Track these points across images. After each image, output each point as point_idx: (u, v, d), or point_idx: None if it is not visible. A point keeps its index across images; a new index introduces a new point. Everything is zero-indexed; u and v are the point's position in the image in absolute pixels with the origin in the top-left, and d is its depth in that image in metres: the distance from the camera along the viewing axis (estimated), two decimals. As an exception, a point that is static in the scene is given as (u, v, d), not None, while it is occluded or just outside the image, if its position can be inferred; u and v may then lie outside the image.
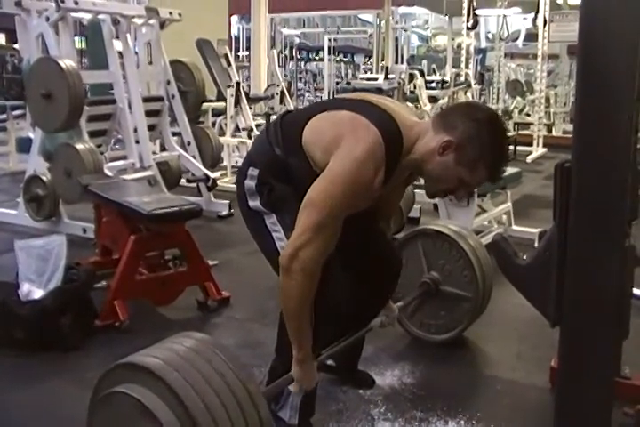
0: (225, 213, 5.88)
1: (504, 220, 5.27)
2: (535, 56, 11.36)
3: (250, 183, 2.20)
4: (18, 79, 12.56)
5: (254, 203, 2.21)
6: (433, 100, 9.26)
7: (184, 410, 1.56)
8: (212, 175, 5.92)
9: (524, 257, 1.79)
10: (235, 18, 18.03)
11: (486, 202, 4.90)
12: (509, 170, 5.36)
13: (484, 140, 1.98)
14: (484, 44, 20.77)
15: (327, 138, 2.02)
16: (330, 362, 2.73)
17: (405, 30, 19.82)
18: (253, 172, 2.20)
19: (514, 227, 5.28)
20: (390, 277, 2.59)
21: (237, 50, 17.87)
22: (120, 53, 5.57)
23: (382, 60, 16.24)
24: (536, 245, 4.66)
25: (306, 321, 2.03)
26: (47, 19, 5.22)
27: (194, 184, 6.16)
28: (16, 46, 16.86)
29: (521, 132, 11.80)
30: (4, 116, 8.94)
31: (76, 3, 5.22)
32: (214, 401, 1.61)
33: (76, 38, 6.70)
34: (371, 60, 19.19)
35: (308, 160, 2.07)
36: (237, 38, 18.78)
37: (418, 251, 3.16)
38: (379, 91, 7.01)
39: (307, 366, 2.12)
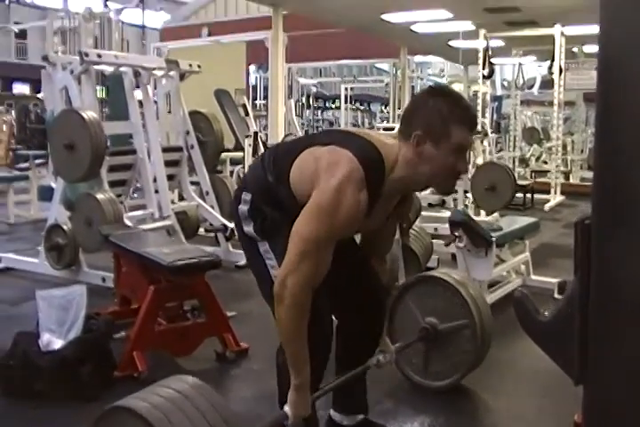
0: (243, 263, 5.87)
1: (522, 270, 5.25)
2: (551, 103, 11.42)
3: (243, 208, 2.28)
4: (41, 129, 12.84)
5: (248, 228, 2.29)
6: (449, 149, 9.30)
7: None
8: (230, 225, 5.94)
9: (546, 313, 1.78)
10: (252, 67, 18.30)
11: (504, 252, 4.88)
12: (527, 220, 5.37)
13: (439, 108, 2.08)
14: (499, 92, 20.90)
15: (309, 173, 2.11)
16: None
17: (421, 79, 20.02)
18: (247, 196, 2.28)
19: (532, 277, 5.25)
20: (376, 308, 2.60)
21: (255, 98, 18.09)
22: (140, 104, 5.68)
23: (399, 109, 16.38)
24: (555, 295, 4.68)
25: (302, 347, 2.09)
26: (71, 71, 5.36)
27: (212, 234, 6.19)
28: (39, 96, 17.25)
29: (538, 179, 11.81)
30: (26, 164, 9.10)
31: (99, 56, 5.37)
32: None
33: (97, 87, 6.84)
34: (387, 108, 19.35)
35: (294, 195, 2.17)
36: (255, 87, 19.03)
37: (419, 296, 3.16)
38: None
39: (302, 392, 2.14)
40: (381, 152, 2.12)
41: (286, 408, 2.14)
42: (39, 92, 23.60)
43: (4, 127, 14.44)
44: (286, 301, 2.02)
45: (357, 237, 2.60)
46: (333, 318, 2.50)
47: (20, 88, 27.62)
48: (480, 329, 3.03)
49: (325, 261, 2.06)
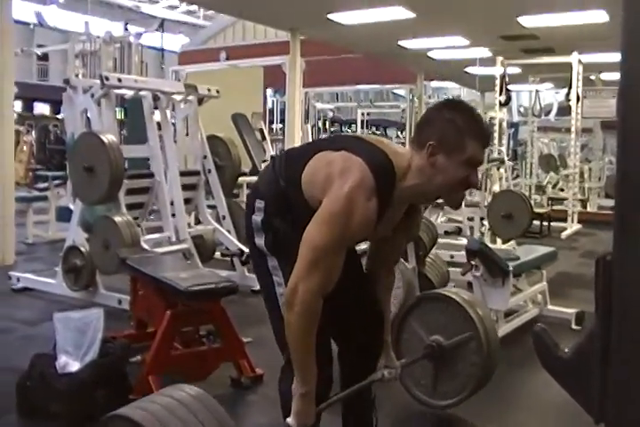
0: (258, 287, 5.87)
1: (539, 299, 5.21)
2: (568, 130, 11.38)
3: (257, 218, 2.25)
4: (60, 150, 12.98)
5: (259, 241, 2.27)
6: (466, 177, 9.31)
7: None
8: (246, 250, 5.96)
9: (565, 350, 1.77)
10: (269, 90, 18.41)
11: (521, 281, 4.86)
12: (544, 249, 5.35)
13: (455, 121, 2.10)
14: (516, 119, 20.90)
15: (320, 178, 2.11)
16: None
17: (438, 105, 20.07)
18: (260, 204, 2.25)
19: (549, 307, 5.20)
20: (376, 325, 2.56)
21: (271, 122, 18.19)
22: (159, 127, 5.73)
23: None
24: (573, 326, 4.64)
25: (310, 355, 2.08)
26: (92, 95, 5.42)
27: (228, 258, 6.21)
28: (59, 117, 17.38)
29: (555, 207, 11.76)
30: (45, 184, 9.19)
31: (120, 80, 5.44)
32: None
33: (116, 108, 6.95)
34: (403, 133, 19.41)
35: (305, 198, 2.17)
36: (272, 111, 19.15)
37: (422, 316, 3.14)
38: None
39: (308, 401, 2.12)
40: (392, 160, 2.13)
41: (289, 420, 2.12)
42: (59, 112, 23.90)
43: (25, 147, 14.62)
44: (297, 308, 2.01)
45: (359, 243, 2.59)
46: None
47: (41, 108, 27.94)
48: (485, 340, 3.00)
49: (337, 267, 2.06)
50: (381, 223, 2.17)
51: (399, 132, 22.23)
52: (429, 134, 2.12)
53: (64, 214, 6.96)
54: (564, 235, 10.03)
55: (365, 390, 2.58)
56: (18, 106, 20.95)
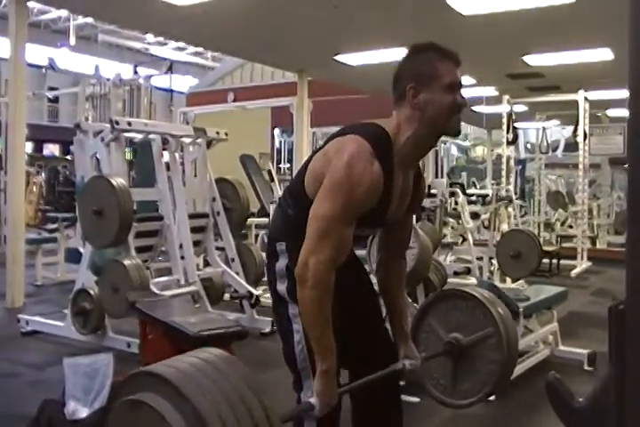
0: (268, 330, 5.85)
1: (550, 340, 5.16)
2: (576, 166, 11.41)
3: (281, 263, 2.25)
4: (69, 191, 13.05)
5: (282, 287, 2.24)
6: (475, 216, 9.31)
7: (199, 422, 1.55)
8: (256, 292, 5.95)
9: (580, 399, 1.75)
10: (277, 130, 18.55)
11: (532, 322, 4.82)
12: (554, 289, 5.32)
13: (419, 56, 2.18)
14: (523, 155, 20.93)
15: (319, 168, 2.13)
16: None
17: (444, 143, 20.12)
18: (281, 246, 2.25)
19: (561, 347, 5.16)
20: (389, 358, 2.49)
21: (279, 162, 18.26)
22: (167, 168, 5.76)
23: (423, 172, 16.46)
24: (585, 367, 4.59)
25: (327, 330, 2.04)
26: (102, 139, 5.47)
27: (237, 300, 6.20)
28: (69, 157, 17.49)
29: (564, 244, 11.71)
30: (55, 225, 9.23)
31: (130, 124, 5.48)
32: (226, 409, 1.59)
33: (125, 149, 7.05)
34: (411, 171, 19.44)
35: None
36: (279, 151, 19.25)
37: (446, 311, 3.08)
38: (421, 209, 7.10)
39: (329, 378, 2.07)
40: (382, 126, 2.17)
41: (312, 399, 2.06)
42: (69, 153, 24.10)
43: (34, 188, 14.70)
44: (309, 282, 1.99)
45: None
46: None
47: (51, 149, 28.19)
48: (506, 336, 2.92)
49: (346, 238, 2.05)
50: (395, 195, 2.18)
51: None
52: (404, 82, 2.16)
53: (73, 256, 6.98)
54: (573, 273, 9.97)
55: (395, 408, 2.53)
56: (28, 147, 21.14)
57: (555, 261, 9.99)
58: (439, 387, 3.08)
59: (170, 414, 1.58)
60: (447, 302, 3.05)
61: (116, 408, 1.71)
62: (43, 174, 17.28)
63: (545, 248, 8.86)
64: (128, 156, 10.30)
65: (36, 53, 9.11)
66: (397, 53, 9.47)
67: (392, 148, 2.14)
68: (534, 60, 10.02)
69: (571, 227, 13.68)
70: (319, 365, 2.06)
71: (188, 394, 1.58)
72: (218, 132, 6.21)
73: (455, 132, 2.24)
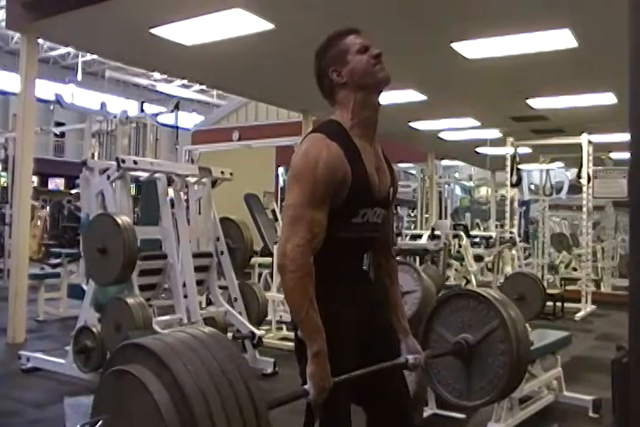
0: (270, 371, 5.80)
1: (554, 385, 5.11)
2: (580, 207, 11.38)
3: None
4: (73, 227, 13.07)
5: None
6: (478, 258, 9.31)
7: (178, 390, 1.60)
8: (258, 333, 5.91)
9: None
10: (281, 169, 18.61)
11: (536, 367, 4.78)
12: (558, 334, 5.28)
13: (324, 47, 2.32)
14: (527, 197, 20.97)
15: None
16: None
17: (448, 184, 20.20)
18: None
19: (565, 393, 5.09)
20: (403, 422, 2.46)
21: (282, 200, 18.25)
22: (172, 205, 5.78)
23: (426, 213, 16.49)
24: (590, 413, 4.55)
25: (311, 311, 2.04)
26: (108, 177, 5.50)
27: (239, 340, 6.15)
28: (73, 192, 17.55)
29: (568, 287, 11.66)
30: (58, 260, 9.24)
31: (135, 162, 5.51)
32: (206, 380, 1.65)
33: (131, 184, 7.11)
34: (415, 211, 19.49)
35: None
36: (284, 189, 19.27)
37: (449, 315, 3.03)
38: (425, 252, 7.10)
39: (320, 361, 2.04)
40: (331, 118, 2.29)
41: (306, 386, 2.04)
42: (73, 187, 24.18)
43: (39, 222, 14.74)
44: (288, 267, 2.03)
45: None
46: None
47: (56, 182, 28.31)
48: (512, 325, 2.84)
49: (318, 221, 2.08)
50: (368, 164, 2.23)
51: (410, 211, 22.30)
52: (325, 75, 2.30)
53: (75, 291, 6.95)
54: (578, 316, 9.86)
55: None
56: (34, 181, 21.24)
57: (559, 304, 9.91)
58: (455, 392, 3.01)
59: (151, 382, 1.63)
60: (450, 306, 3.01)
61: (104, 380, 1.77)
62: (47, 208, 17.36)
63: (549, 291, 8.83)
64: (132, 191, 10.37)
65: (44, 88, 9.23)
66: (403, 95, 9.61)
67: (343, 127, 2.23)
68: (538, 103, 10.12)
69: (575, 269, 13.65)
70: (309, 348, 2.05)
71: (168, 363, 1.64)
72: (223, 172, 6.23)
73: (385, 78, 2.32)
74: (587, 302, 10.54)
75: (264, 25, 6.79)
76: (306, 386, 2.04)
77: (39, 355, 5.96)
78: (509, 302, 2.96)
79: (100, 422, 1.76)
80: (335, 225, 2.15)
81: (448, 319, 3.00)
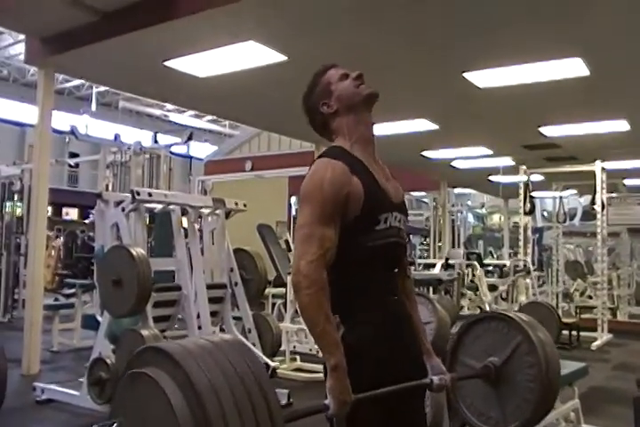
0: (284, 402, 5.77)
1: (572, 417, 5.04)
2: (594, 234, 11.29)
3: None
4: (87, 257, 13.12)
5: None
6: (493, 288, 9.24)
7: (192, 389, 1.63)
8: (272, 364, 5.89)
9: None
10: (294, 199, 18.64)
11: (553, 398, 4.73)
12: (575, 364, 5.22)
13: (309, 89, 2.41)
14: (540, 223, 20.91)
15: None
16: None
17: (461, 213, 20.17)
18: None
19: (583, 425, 5.02)
20: None
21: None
22: (185, 235, 5.80)
23: (439, 241, 16.47)
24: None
25: (328, 326, 2.05)
26: (123, 209, 5.53)
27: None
28: (87, 221, 17.60)
29: (583, 315, 11.56)
30: (72, 290, 9.26)
31: (150, 195, 5.55)
32: (222, 382, 1.67)
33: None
34: (427, 239, 19.46)
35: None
36: (295, 219, 19.25)
37: (473, 342, 2.98)
38: (438, 282, 7.07)
39: (339, 374, 2.01)
40: (332, 144, 2.35)
41: (326, 401, 2.00)
42: (87, 217, 24.26)
43: (53, 252, 14.81)
44: (303, 283, 2.05)
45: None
46: None
47: (70, 212, 28.45)
48: (535, 337, 2.77)
49: (328, 237, 2.11)
50: (377, 175, 2.29)
51: (423, 239, 22.27)
52: (313, 109, 2.40)
53: (89, 322, 6.95)
54: (594, 346, 9.73)
55: None
56: (48, 210, 21.37)
57: (574, 332, 9.81)
58: (491, 421, 2.94)
59: (164, 382, 1.66)
60: (471, 333, 2.98)
61: (121, 384, 1.80)
62: (61, 238, 17.44)
63: (564, 320, 8.77)
64: (146, 221, 10.42)
65: (59, 119, 9.35)
66: (415, 124, 9.65)
67: (344, 148, 2.29)
68: (550, 131, 10.13)
69: (590, 297, 13.54)
70: (327, 362, 2.04)
71: (184, 365, 1.66)
72: (237, 203, 6.26)
73: (372, 92, 2.37)
74: (603, 330, 10.39)
75: (277, 57, 6.86)
76: (326, 401, 2.01)
77: (54, 386, 5.95)
78: (536, 322, 2.93)
79: (115, 425, 1.79)
80: (361, 236, 2.19)
81: (472, 347, 2.96)
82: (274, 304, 8.72)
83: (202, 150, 24.50)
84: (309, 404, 2.05)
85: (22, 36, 10.62)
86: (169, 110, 30.25)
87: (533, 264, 11.67)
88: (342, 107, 2.34)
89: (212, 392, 1.64)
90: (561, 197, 13.29)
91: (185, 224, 5.95)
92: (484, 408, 2.92)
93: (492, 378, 2.79)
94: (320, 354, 2.13)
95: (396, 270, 2.41)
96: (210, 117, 30.74)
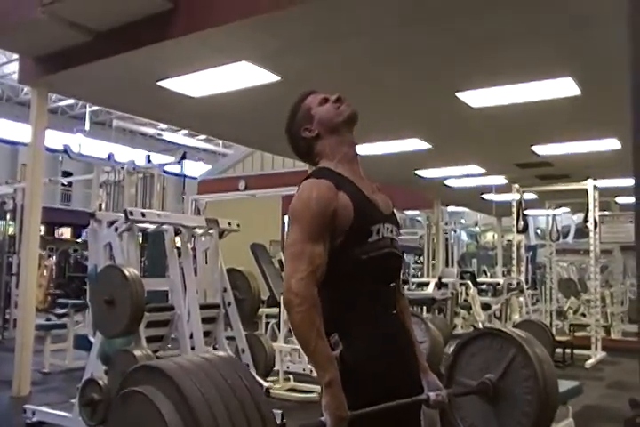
0: (278, 422, 5.73)
1: (567, 436, 5.05)
2: (587, 251, 11.31)
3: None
4: (80, 277, 13.09)
5: None
6: (486, 307, 9.24)
7: (189, 412, 1.62)
8: (266, 384, 5.85)
9: None
10: (287, 218, 18.65)
11: (547, 418, 4.71)
12: (569, 383, 5.22)
13: (290, 118, 2.47)
14: (533, 241, 20.93)
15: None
16: None
17: (455, 231, 20.18)
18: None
19: (578, 445, 5.04)
20: None
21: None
22: (179, 254, 5.78)
23: (433, 259, 16.46)
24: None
25: (320, 342, 2.04)
26: (116, 229, 5.52)
27: (246, 391, 6.09)
28: (79, 240, 17.56)
29: (577, 333, 11.54)
30: (64, 310, 9.21)
31: (143, 215, 5.54)
32: (216, 399, 1.67)
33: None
34: (421, 258, 19.45)
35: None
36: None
37: (469, 360, 2.96)
38: (432, 301, 7.06)
39: (334, 390, 2.00)
40: (320, 166, 2.37)
41: (322, 418, 1.99)
42: (80, 236, 24.20)
43: (45, 272, 14.77)
44: (295, 301, 2.04)
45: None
46: None
47: (62, 231, 28.40)
48: (530, 349, 2.74)
49: (318, 254, 2.12)
50: (365, 189, 2.31)
51: (417, 258, 22.27)
52: (296, 135, 2.44)
53: (81, 343, 6.92)
54: (588, 364, 9.70)
55: None
56: (41, 229, 21.32)
57: (568, 351, 9.81)
58: None
59: (159, 399, 1.66)
60: (466, 352, 2.96)
61: (115, 402, 1.81)
62: (53, 257, 17.40)
63: (558, 338, 8.76)
64: (139, 240, 10.39)
65: (52, 138, 9.37)
66: (408, 144, 9.69)
67: (329, 168, 2.32)
68: (543, 149, 10.18)
69: (583, 315, 13.54)
70: (321, 378, 2.03)
71: (177, 381, 1.67)
72: (230, 223, 6.25)
73: (352, 112, 2.41)
74: (597, 348, 10.38)
75: (270, 77, 6.89)
76: (322, 418, 2.00)
77: (44, 408, 5.88)
78: (532, 338, 2.92)
79: None
80: (354, 249, 2.19)
81: (467, 367, 2.93)
82: (267, 324, 8.69)
83: (195, 169, 24.52)
84: (305, 422, 2.05)
85: (16, 56, 10.63)
86: (162, 129, 30.28)
87: (527, 282, 11.68)
88: (324, 130, 2.38)
89: (205, 406, 1.64)
90: (554, 215, 13.32)
91: (178, 244, 5.95)
92: (478, 423, 2.91)
93: (490, 394, 2.76)
94: (314, 373, 2.13)
95: (393, 285, 2.40)
96: (203, 136, 30.79)
